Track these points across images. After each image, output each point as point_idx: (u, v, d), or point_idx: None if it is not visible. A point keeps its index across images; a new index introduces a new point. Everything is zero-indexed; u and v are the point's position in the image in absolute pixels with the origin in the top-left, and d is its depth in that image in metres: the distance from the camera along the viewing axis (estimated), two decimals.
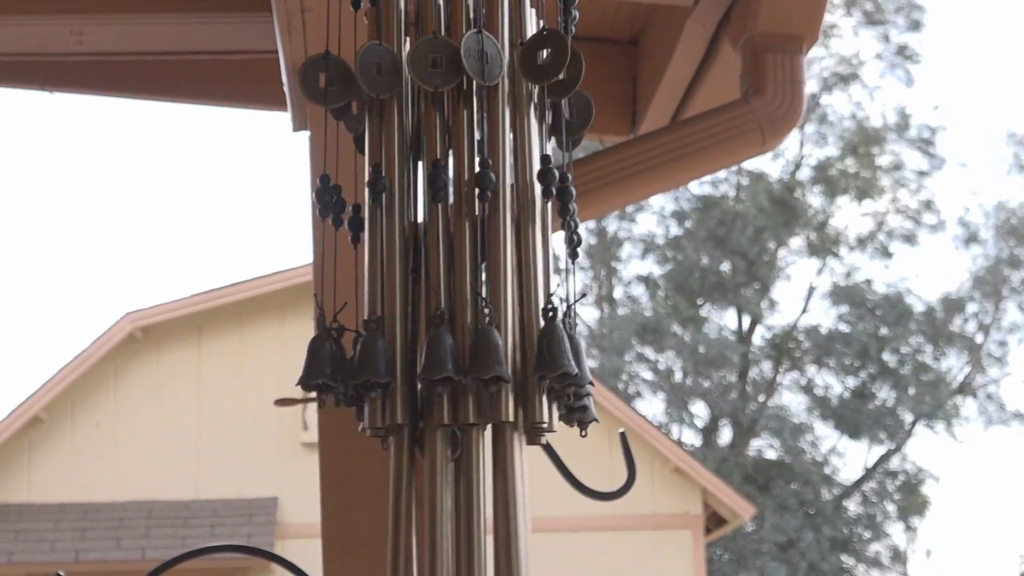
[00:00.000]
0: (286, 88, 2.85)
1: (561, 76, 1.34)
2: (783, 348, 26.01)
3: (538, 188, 1.32)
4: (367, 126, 1.37)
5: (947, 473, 37.26)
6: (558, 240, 1.39)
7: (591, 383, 1.31)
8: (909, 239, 26.51)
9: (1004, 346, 26.30)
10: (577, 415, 1.35)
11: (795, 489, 23.97)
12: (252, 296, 15.21)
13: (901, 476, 25.26)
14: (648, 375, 25.97)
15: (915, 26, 26.31)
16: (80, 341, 17.62)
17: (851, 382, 25.45)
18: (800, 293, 26.75)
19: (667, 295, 26.13)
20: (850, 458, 31.52)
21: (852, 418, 24.95)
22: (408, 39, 1.38)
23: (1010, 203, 26.74)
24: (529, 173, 1.32)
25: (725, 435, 25.51)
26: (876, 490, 25.29)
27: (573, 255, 1.37)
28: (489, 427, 1.29)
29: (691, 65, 3.12)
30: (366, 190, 1.34)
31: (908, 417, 25.23)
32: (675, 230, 26.37)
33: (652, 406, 25.82)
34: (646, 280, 26.47)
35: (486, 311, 1.26)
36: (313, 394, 1.34)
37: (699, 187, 25.25)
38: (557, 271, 1.36)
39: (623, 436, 2.57)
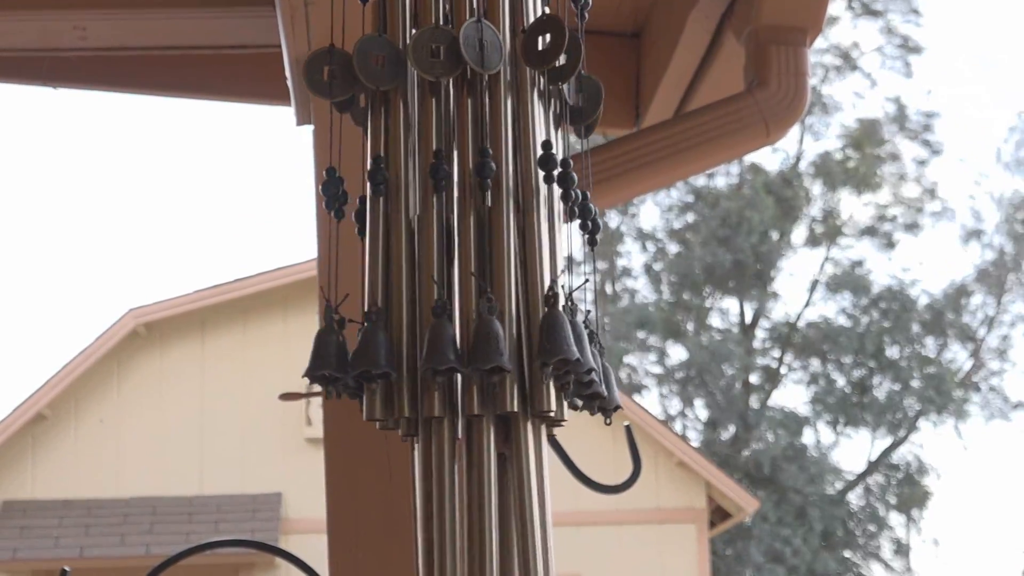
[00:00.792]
0: (289, 82, 2.85)
1: (561, 61, 1.34)
2: (786, 341, 26.01)
3: (541, 175, 1.32)
4: (369, 118, 1.36)
5: (950, 466, 37.30)
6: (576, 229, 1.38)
7: (593, 369, 1.30)
8: (912, 231, 26.52)
9: (1007, 339, 26.30)
10: (598, 402, 1.34)
11: (797, 482, 23.97)
12: (255, 292, 15.22)
13: (904, 469, 25.26)
14: (650, 369, 25.99)
15: (913, 14, 26.28)
16: (83, 338, 17.64)
17: (854, 375, 25.45)
18: (803, 286, 26.75)
19: (669, 288, 26.13)
20: (853, 451, 31.53)
21: (855, 411, 24.96)
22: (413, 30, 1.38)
23: (1015, 195, 26.73)
24: (532, 161, 1.32)
25: (727, 429, 25.52)
26: (879, 483, 25.30)
27: (592, 242, 1.37)
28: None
29: (695, 57, 3.12)
30: (366, 182, 1.33)
31: (911, 410, 25.23)
32: (677, 223, 26.37)
33: (654, 400, 25.85)
34: (648, 273, 26.48)
35: (489, 300, 1.26)
36: (317, 388, 1.34)
37: (700, 179, 25.24)
38: (570, 260, 1.36)
39: (628, 430, 2.57)
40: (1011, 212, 26.48)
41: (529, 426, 1.28)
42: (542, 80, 1.35)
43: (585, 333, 1.29)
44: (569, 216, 1.36)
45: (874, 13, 26.36)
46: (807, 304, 26.19)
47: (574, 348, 1.25)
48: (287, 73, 2.82)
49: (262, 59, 3.22)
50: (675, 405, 25.92)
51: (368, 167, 1.33)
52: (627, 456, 2.50)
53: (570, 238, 1.39)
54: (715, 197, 25.60)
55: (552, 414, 1.28)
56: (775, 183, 25.81)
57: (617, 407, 1.36)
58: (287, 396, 10.96)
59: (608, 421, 1.38)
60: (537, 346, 1.26)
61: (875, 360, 25.14)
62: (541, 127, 1.34)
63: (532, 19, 1.36)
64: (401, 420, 1.29)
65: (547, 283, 1.29)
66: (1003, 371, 26.18)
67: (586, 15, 1.41)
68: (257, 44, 3.17)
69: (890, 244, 26.44)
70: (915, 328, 25.63)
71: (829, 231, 26.41)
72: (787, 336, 26.00)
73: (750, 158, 24.26)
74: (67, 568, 2.23)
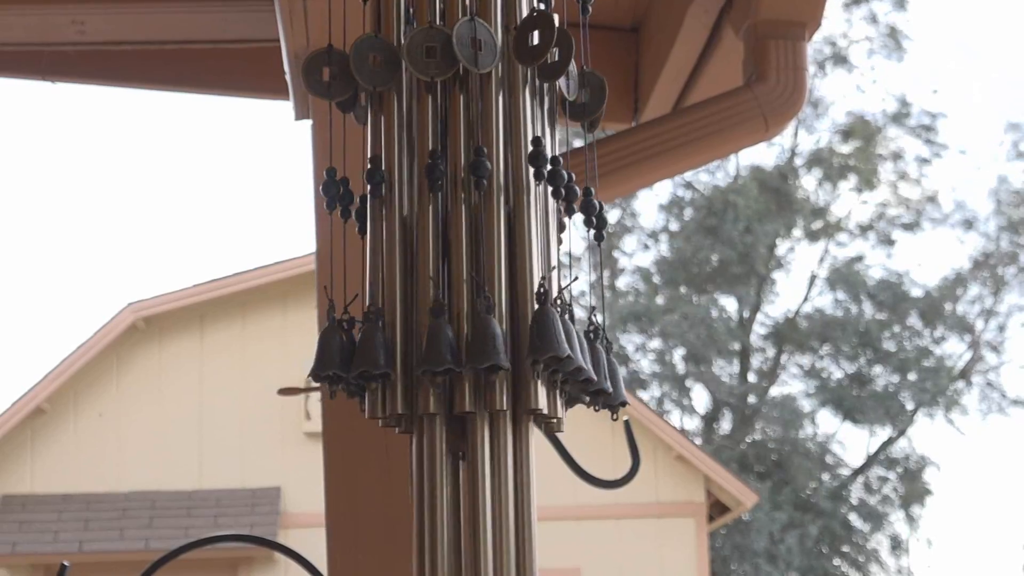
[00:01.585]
0: (288, 77, 2.85)
1: (553, 58, 1.34)
2: (784, 335, 26.02)
3: (531, 172, 1.32)
4: (368, 118, 1.36)
5: (948, 460, 37.33)
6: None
7: (582, 367, 1.29)
8: (909, 226, 26.52)
9: (1003, 332, 26.31)
10: (603, 399, 1.34)
11: (796, 476, 23.99)
12: (254, 286, 15.22)
13: (902, 463, 25.28)
14: (648, 362, 25.99)
15: (900, 5, 26.23)
16: (82, 332, 17.63)
17: (851, 368, 25.46)
18: (801, 279, 26.77)
19: (667, 282, 26.13)
20: (851, 445, 31.56)
21: (853, 405, 24.97)
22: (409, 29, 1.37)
23: (1010, 188, 26.73)
24: (523, 158, 1.32)
25: (725, 423, 25.54)
26: (877, 477, 25.32)
27: (599, 237, 1.37)
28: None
29: (693, 52, 3.12)
30: (364, 182, 1.34)
31: (909, 404, 25.25)
32: (674, 217, 26.36)
33: (652, 393, 25.85)
34: (645, 267, 26.49)
35: (485, 299, 1.26)
36: (315, 384, 1.34)
37: (697, 174, 25.23)
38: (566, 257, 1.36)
39: (627, 424, 2.57)
40: (1008, 205, 26.48)
41: (519, 424, 1.28)
42: (532, 76, 1.35)
43: (574, 330, 1.29)
44: (567, 212, 1.36)
45: (865, 3, 26.33)
46: (805, 298, 26.21)
47: (565, 345, 1.25)
48: (285, 68, 2.82)
49: (260, 54, 3.22)
50: (673, 399, 25.93)
51: (366, 167, 1.33)
52: (626, 451, 2.51)
53: (569, 234, 1.39)
54: (712, 191, 25.60)
55: (543, 411, 1.28)
56: (771, 177, 25.81)
57: (623, 403, 1.36)
58: (286, 391, 10.96)
59: (615, 417, 1.39)
60: (528, 343, 1.26)
61: (873, 353, 25.15)
62: (534, 125, 1.34)
63: (524, 15, 1.36)
64: (396, 417, 1.29)
65: (536, 280, 1.29)
66: (1001, 365, 26.20)
67: (589, 8, 1.41)
68: (255, 39, 3.18)
69: (887, 238, 26.45)
70: (912, 322, 25.64)
71: (827, 225, 26.41)
72: (785, 330, 26.00)
73: (746, 151, 24.26)
74: (67, 563, 2.23)
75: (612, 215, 26.22)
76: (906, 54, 26.31)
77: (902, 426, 25.35)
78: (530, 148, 1.32)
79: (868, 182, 26.29)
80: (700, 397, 25.88)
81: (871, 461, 25.34)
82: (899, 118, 26.52)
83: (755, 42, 2.83)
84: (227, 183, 45.52)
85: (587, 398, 1.34)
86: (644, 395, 25.08)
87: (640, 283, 26.58)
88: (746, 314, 26.30)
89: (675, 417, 25.57)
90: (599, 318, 1.35)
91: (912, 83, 35.09)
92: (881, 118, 26.54)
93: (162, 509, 14.50)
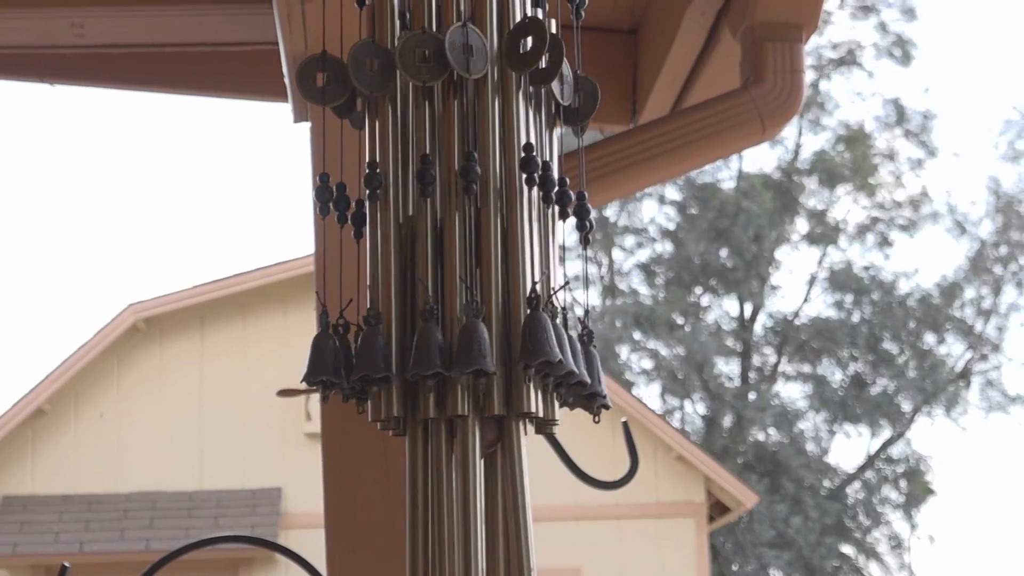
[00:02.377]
0: (286, 80, 2.86)
1: (544, 63, 1.34)
2: (784, 336, 26.02)
3: (523, 178, 1.33)
4: (365, 123, 1.37)
5: (948, 460, 37.34)
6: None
7: (574, 372, 1.30)
8: (908, 227, 26.52)
9: (1003, 332, 26.31)
10: (599, 402, 1.35)
11: (795, 477, 23.99)
12: (255, 287, 15.23)
13: (902, 464, 25.27)
14: (648, 364, 25.99)
15: (910, 14, 26.27)
16: (83, 333, 17.64)
17: (851, 369, 25.47)
18: (800, 281, 26.77)
19: (667, 283, 26.14)
20: (851, 446, 31.55)
21: (852, 406, 24.97)
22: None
23: (1009, 188, 26.74)
24: (516, 163, 1.33)
25: (725, 424, 25.53)
26: (877, 478, 25.31)
27: (584, 241, 1.38)
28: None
29: (691, 54, 3.13)
30: (361, 187, 1.34)
31: (908, 404, 25.25)
32: (674, 219, 26.36)
33: (652, 394, 25.87)
34: (646, 268, 26.49)
35: (476, 304, 1.27)
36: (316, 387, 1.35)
37: (697, 175, 25.24)
38: (563, 261, 1.37)
39: (626, 426, 2.58)
40: (1006, 205, 26.48)
41: (511, 428, 1.29)
42: (525, 82, 1.36)
43: (566, 334, 1.30)
44: (561, 216, 1.37)
45: (868, 10, 26.34)
46: (805, 300, 26.22)
47: (556, 350, 1.26)
48: (284, 70, 2.83)
49: (259, 56, 3.23)
50: (673, 400, 25.93)
51: (364, 173, 1.34)
52: (625, 451, 2.51)
53: (564, 237, 1.40)
54: (712, 192, 25.59)
55: (536, 414, 1.29)
56: (772, 179, 25.81)
57: (603, 397, 1.36)
58: (285, 392, 10.96)
59: (597, 420, 1.39)
60: (520, 348, 1.27)
61: (872, 354, 25.15)
62: (527, 130, 1.35)
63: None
64: (392, 420, 1.30)
65: (529, 285, 1.30)
66: (1001, 364, 26.20)
67: (582, 14, 1.42)
68: (254, 41, 3.18)
69: (886, 239, 26.45)
70: (912, 323, 25.64)
71: (826, 228, 26.41)
72: (785, 331, 26.00)
73: (747, 153, 24.27)
74: (67, 564, 2.24)
75: (612, 214, 26.22)
76: (912, 60, 26.32)
77: (902, 426, 25.34)
78: (522, 154, 1.33)
79: (867, 184, 26.29)
80: (700, 398, 25.88)
81: (872, 461, 25.34)
82: (898, 120, 26.52)
83: (752, 44, 2.84)
84: (227, 184, 45.54)
85: (571, 400, 1.35)
86: (644, 395, 25.10)
87: (641, 284, 26.59)
88: (747, 315, 26.31)
89: (675, 418, 25.58)
90: (581, 314, 1.36)
91: (911, 85, 35.11)
92: (880, 120, 26.55)
93: (163, 510, 14.51)
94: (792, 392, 25.95)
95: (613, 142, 2.83)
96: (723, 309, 26.39)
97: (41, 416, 14.90)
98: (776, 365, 26.24)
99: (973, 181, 36.00)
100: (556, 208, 1.35)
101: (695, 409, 26.02)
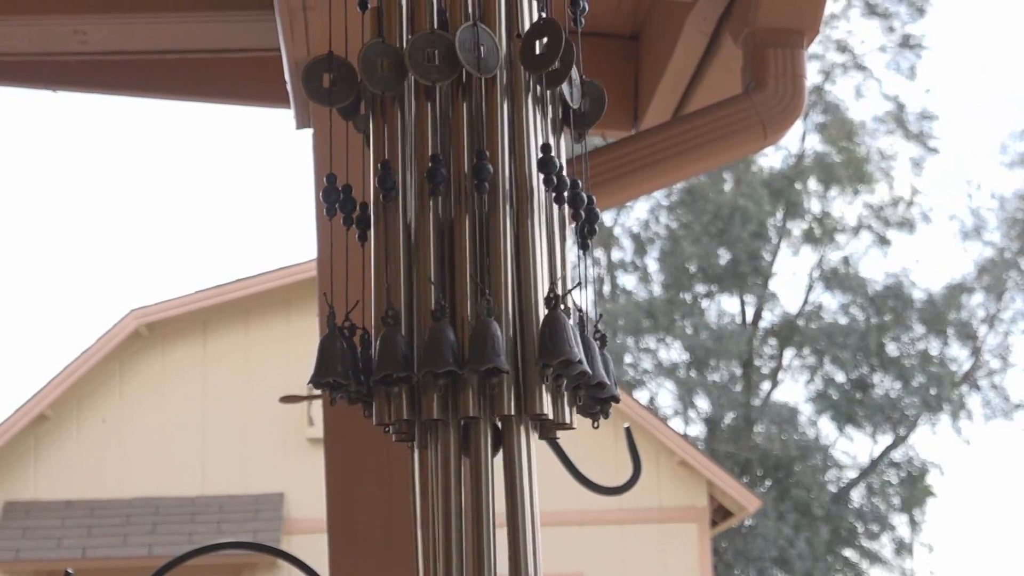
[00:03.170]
0: (289, 86, 2.86)
1: (556, 65, 1.35)
2: (786, 339, 26.00)
3: (539, 178, 1.33)
4: (371, 125, 1.37)
5: (951, 465, 37.28)
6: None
7: (588, 372, 1.30)
8: (912, 230, 26.50)
9: (1008, 337, 26.28)
10: (607, 406, 1.35)
11: (798, 481, 23.96)
12: (257, 292, 15.23)
13: (905, 468, 25.25)
14: (650, 366, 25.97)
15: (918, 15, 26.27)
16: (85, 338, 17.64)
17: (855, 373, 25.44)
18: (802, 283, 26.73)
19: (668, 284, 26.11)
20: (854, 450, 31.47)
21: (856, 409, 24.95)
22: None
23: (1015, 192, 26.71)
24: (527, 163, 1.33)
25: (727, 427, 25.50)
26: (880, 482, 25.28)
27: (583, 245, 1.38)
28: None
29: (692, 60, 3.13)
30: (372, 188, 1.34)
31: (912, 409, 25.22)
32: (676, 220, 26.34)
33: (654, 398, 25.84)
34: (646, 269, 26.47)
35: (487, 303, 1.27)
36: (316, 392, 1.34)
37: (699, 177, 25.20)
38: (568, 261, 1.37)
39: (628, 431, 2.58)
40: (1011, 209, 26.46)
41: (521, 429, 1.29)
42: (537, 83, 1.36)
43: (581, 335, 1.30)
44: (574, 218, 1.37)
45: (876, 11, 26.35)
46: (806, 302, 26.19)
47: (576, 349, 1.26)
48: (286, 76, 2.83)
49: (262, 63, 3.23)
50: (676, 404, 25.92)
51: (377, 173, 1.34)
52: (627, 457, 2.51)
53: (574, 239, 1.40)
54: (713, 192, 25.58)
55: (548, 417, 1.28)
56: (773, 180, 25.80)
57: (617, 400, 1.36)
58: (288, 399, 10.96)
59: (596, 425, 1.39)
60: (538, 347, 1.26)
61: (876, 358, 25.12)
62: (537, 130, 1.35)
63: (527, 23, 1.37)
64: (402, 423, 1.30)
65: (542, 285, 1.30)
66: (1004, 370, 26.16)
67: (582, 20, 1.42)
68: (257, 48, 3.19)
69: (889, 242, 26.43)
70: (916, 327, 25.61)
71: (828, 228, 26.39)
72: (787, 333, 25.98)
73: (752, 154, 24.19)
74: (70, 570, 2.24)
75: (610, 216, 26.19)
76: (914, 59, 26.32)
77: (905, 431, 25.32)
78: (539, 154, 1.33)
79: (870, 185, 26.27)
80: (702, 401, 25.86)
81: (875, 465, 25.31)
82: (901, 122, 26.51)
83: (754, 50, 2.84)
84: (229, 190, 45.54)
85: (579, 404, 1.35)
86: (644, 399, 25.07)
87: (642, 285, 26.57)
88: (749, 318, 26.29)
89: (678, 422, 25.56)
90: (592, 315, 1.36)
91: (913, 86, 35.07)
92: (883, 121, 26.53)
93: (165, 515, 14.50)
94: (795, 395, 25.94)
95: (615, 148, 2.83)
96: (725, 311, 26.39)
97: (44, 422, 14.90)
98: (779, 367, 26.21)
99: (979, 184, 35.94)
100: (567, 210, 1.36)
101: (698, 413, 26.01)
